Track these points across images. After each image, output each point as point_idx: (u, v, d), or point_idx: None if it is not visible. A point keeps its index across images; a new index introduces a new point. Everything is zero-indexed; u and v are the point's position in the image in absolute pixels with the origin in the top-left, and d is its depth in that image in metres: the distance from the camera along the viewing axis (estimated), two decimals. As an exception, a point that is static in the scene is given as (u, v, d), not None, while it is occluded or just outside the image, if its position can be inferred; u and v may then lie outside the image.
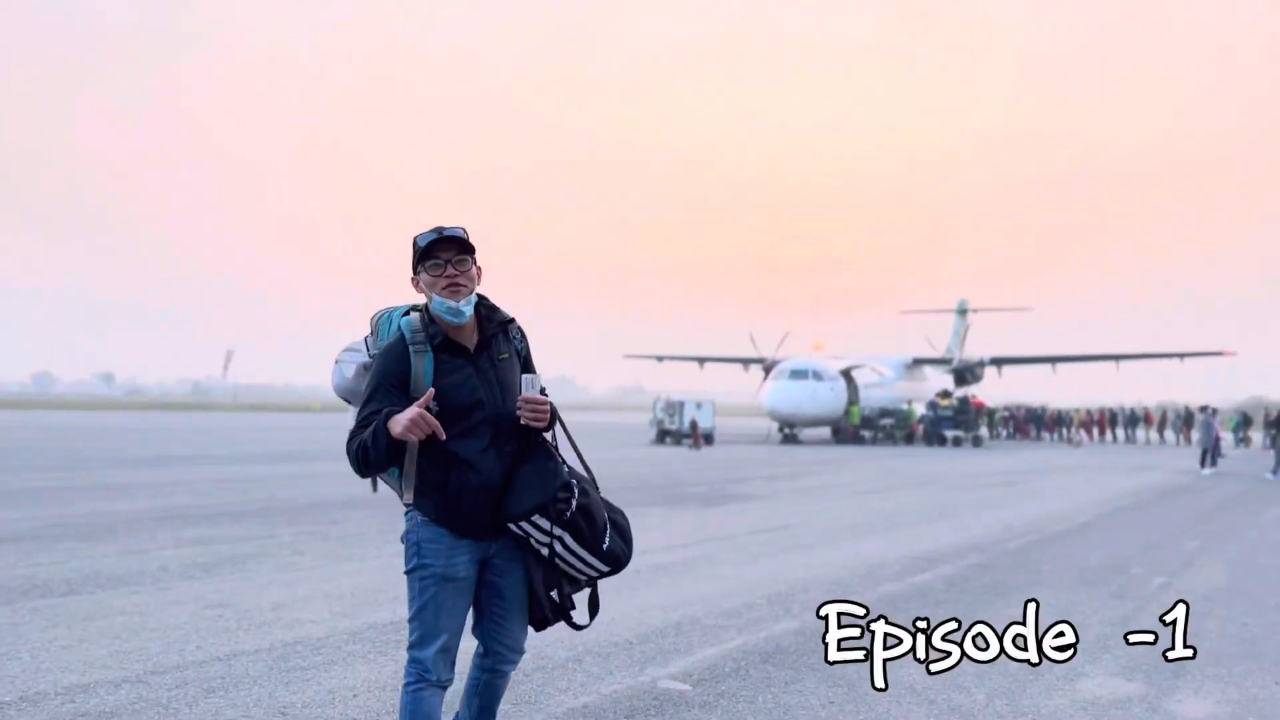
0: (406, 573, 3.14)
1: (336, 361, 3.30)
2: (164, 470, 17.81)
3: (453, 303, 3.06)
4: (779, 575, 8.02)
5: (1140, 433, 46.74)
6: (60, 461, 19.60)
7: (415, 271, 3.11)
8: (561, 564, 3.15)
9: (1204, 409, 25.34)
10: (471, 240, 3.13)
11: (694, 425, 31.95)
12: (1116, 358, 44.10)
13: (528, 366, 3.30)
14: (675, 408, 34.21)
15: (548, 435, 3.24)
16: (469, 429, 3.06)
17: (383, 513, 11.65)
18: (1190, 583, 8.18)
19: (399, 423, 2.89)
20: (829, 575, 8.12)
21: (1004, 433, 47.79)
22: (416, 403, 2.93)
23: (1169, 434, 45.07)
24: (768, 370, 39.65)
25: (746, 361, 45.01)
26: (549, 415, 3.15)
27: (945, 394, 37.99)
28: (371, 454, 2.96)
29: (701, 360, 49.95)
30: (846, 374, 37.93)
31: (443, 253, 3.07)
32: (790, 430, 38.14)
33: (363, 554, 8.69)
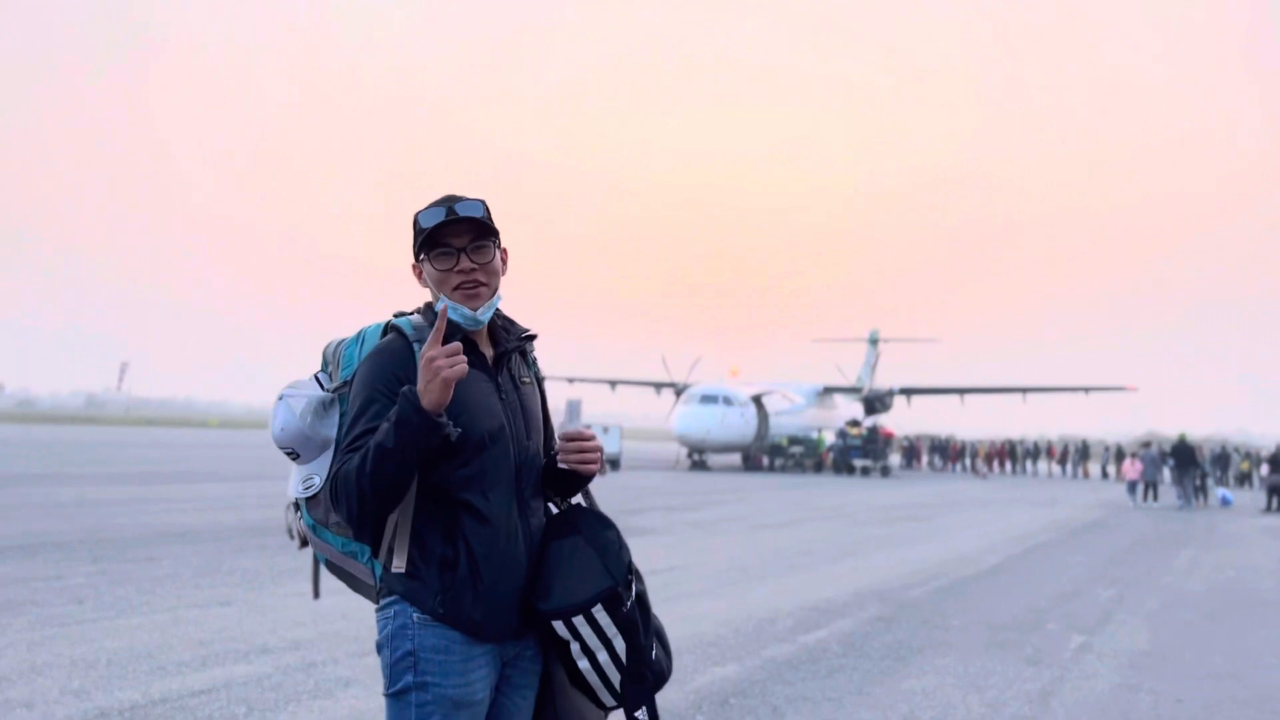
0: (392, 695, 2.14)
1: (281, 398, 2.32)
2: (-6, 491, 15.89)
3: (469, 310, 2.22)
4: (650, 634, 6.85)
5: (1041, 465, 47.14)
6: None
7: (417, 258, 2.27)
8: (599, 678, 2.23)
9: (1146, 445, 26.17)
10: (492, 217, 2.27)
11: (598, 450, 30.76)
12: (1023, 390, 44.37)
13: (545, 402, 2.48)
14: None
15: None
16: (487, 470, 2.18)
17: (211, 547, 10.17)
18: (1111, 643, 7.27)
19: (426, 380, 2.03)
20: (709, 633, 6.99)
21: (900, 461, 47.85)
22: (430, 339, 2.07)
23: (1066, 467, 45.44)
24: (679, 394, 38.79)
25: (659, 385, 44.07)
26: (600, 460, 2.30)
27: (855, 423, 37.52)
28: (391, 464, 2.02)
29: (613, 383, 48.81)
30: (757, 400, 37.24)
31: (455, 238, 2.22)
32: (699, 456, 37.29)
33: (158, 603, 7.26)
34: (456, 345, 2.07)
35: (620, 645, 2.20)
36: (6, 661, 5.47)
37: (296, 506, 2.34)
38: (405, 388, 2.06)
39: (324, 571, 2.43)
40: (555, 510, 2.39)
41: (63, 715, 4.57)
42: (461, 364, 2.04)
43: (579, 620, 2.18)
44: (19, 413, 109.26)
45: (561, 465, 2.32)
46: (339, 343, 2.38)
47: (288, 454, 2.31)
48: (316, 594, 2.48)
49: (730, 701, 5.30)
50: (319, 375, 2.38)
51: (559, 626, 2.18)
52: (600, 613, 2.18)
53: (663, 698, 5.27)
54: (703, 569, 10.19)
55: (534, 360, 2.45)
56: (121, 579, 8.19)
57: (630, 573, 2.24)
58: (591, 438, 2.30)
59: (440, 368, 2.02)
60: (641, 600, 2.29)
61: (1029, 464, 45.99)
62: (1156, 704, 5.66)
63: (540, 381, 2.47)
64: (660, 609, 7.71)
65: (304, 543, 2.35)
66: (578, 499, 2.41)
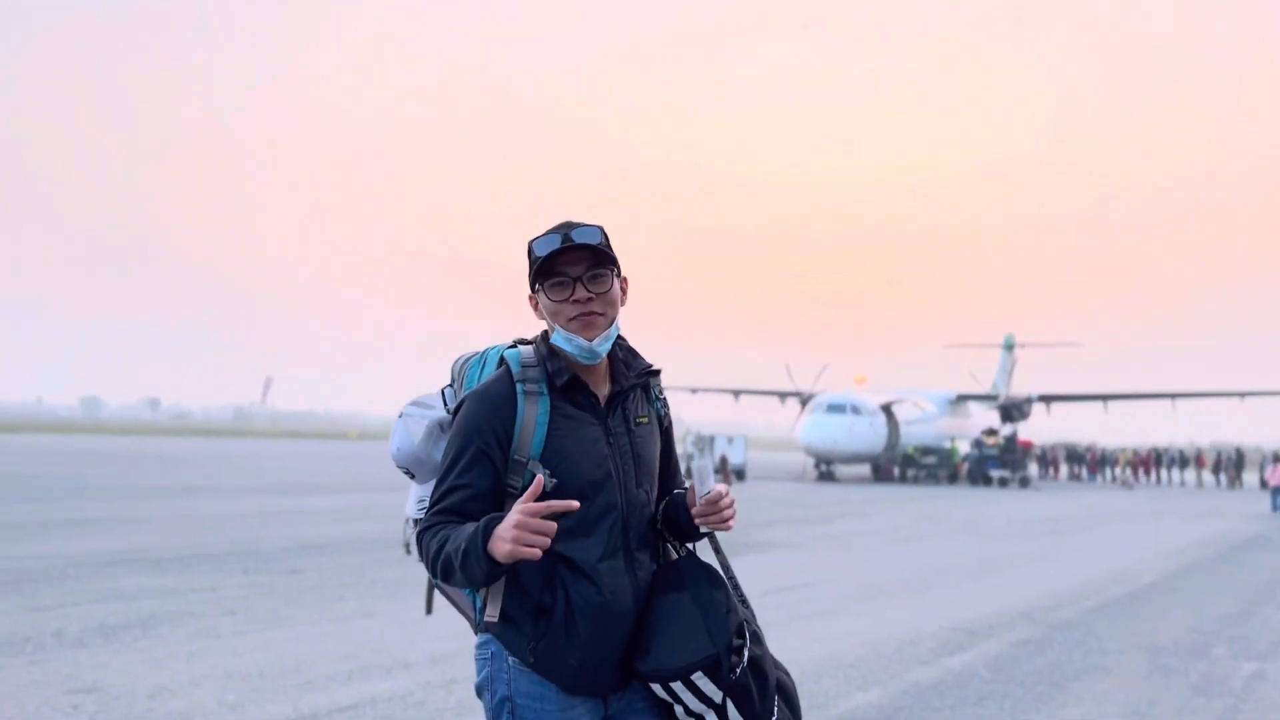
0: None
1: (401, 416, 2.31)
2: (154, 503, 16.84)
3: (584, 340, 2.10)
4: (788, 655, 6.66)
5: (1189, 474, 44.47)
6: (55, 491, 18.74)
7: (533, 288, 2.17)
8: None
9: None
10: (611, 244, 2.16)
11: (723, 461, 30.61)
12: (1172, 396, 42.09)
13: (669, 442, 2.33)
14: (705, 442, 32.93)
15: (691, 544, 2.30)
16: (588, 521, 2.08)
17: (353, 559, 10.48)
18: (1289, 671, 6.73)
19: (503, 538, 1.90)
20: (848, 655, 6.78)
21: (1037, 471, 45.84)
22: (521, 499, 1.92)
23: (1207, 476, 42.62)
24: (804, 404, 38.25)
25: (783, 394, 43.54)
26: (733, 518, 2.17)
27: (991, 432, 36.22)
28: (459, 576, 1.99)
29: (737, 393, 48.58)
30: (887, 409, 36.40)
31: (570, 267, 2.11)
32: (827, 467, 36.68)
33: (306, 615, 7.50)
34: (548, 526, 1.90)
35: (730, 711, 2.08)
36: (168, 672, 5.72)
37: (416, 522, 2.29)
38: (485, 519, 1.95)
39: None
40: (675, 555, 2.28)
41: (219, 728, 4.74)
42: (539, 548, 1.90)
43: (678, 685, 2.06)
44: (175, 426, 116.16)
45: (702, 529, 2.20)
46: (465, 360, 2.33)
47: (404, 472, 2.30)
48: (429, 610, 2.42)
49: (875, 729, 5.10)
50: (445, 391, 2.33)
51: (657, 689, 2.08)
52: (702, 679, 2.05)
53: (804, 723, 5.12)
54: (836, 585, 9.94)
55: (658, 397, 2.30)
56: (270, 591, 8.51)
57: (742, 636, 2.11)
58: (730, 505, 2.16)
59: (520, 538, 1.88)
60: (756, 664, 2.12)
61: (1175, 472, 43.45)
62: (1347, 742, 5.20)
63: (662, 420, 2.31)
64: (794, 627, 7.55)
65: None
66: (697, 546, 2.29)
